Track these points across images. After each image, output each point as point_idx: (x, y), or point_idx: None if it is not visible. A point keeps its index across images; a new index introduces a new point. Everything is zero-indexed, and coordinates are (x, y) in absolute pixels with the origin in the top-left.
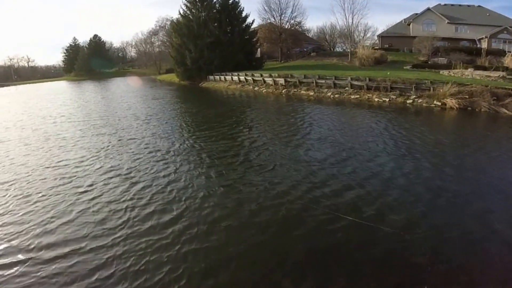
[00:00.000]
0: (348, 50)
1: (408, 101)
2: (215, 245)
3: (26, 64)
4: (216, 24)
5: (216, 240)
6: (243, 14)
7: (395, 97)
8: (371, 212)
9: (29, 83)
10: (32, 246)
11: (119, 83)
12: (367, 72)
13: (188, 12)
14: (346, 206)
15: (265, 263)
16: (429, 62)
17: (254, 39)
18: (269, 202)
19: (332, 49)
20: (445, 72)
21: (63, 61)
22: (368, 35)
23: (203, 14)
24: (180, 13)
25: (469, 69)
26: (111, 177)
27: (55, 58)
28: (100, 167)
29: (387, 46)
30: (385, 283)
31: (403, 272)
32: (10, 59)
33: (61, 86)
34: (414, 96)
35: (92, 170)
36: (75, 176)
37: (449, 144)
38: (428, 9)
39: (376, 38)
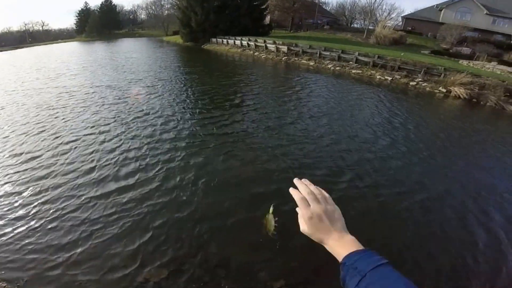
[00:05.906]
0: (366, 27)
1: (411, 83)
2: None
3: (41, 28)
4: None
5: None
6: None
7: (399, 77)
8: None
9: (41, 45)
10: None
11: (126, 43)
12: (379, 50)
13: None
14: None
15: None
16: (451, 51)
17: (263, 6)
18: None
19: (349, 25)
20: (464, 62)
21: (75, 23)
22: (393, 15)
23: None
24: None
25: (492, 63)
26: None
27: (69, 22)
28: None
29: (410, 28)
30: None
31: None
32: (25, 24)
33: (70, 48)
34: (419, 79)
35: None
36: None
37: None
38: None
39: (400, 19)
